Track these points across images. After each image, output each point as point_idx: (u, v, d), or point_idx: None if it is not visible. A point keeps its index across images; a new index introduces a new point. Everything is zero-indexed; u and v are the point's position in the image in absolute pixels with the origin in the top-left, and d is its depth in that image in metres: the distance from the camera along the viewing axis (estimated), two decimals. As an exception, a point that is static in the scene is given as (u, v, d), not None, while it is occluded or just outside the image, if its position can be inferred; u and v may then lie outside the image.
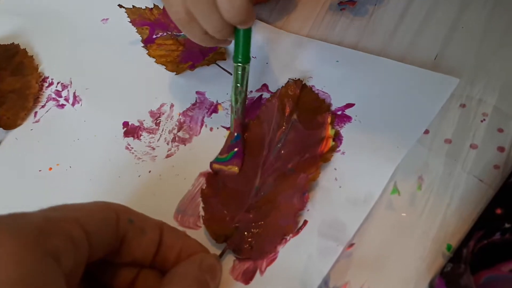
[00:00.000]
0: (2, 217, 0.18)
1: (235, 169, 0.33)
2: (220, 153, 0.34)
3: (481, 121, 0.33)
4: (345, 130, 0.34)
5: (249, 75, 0.36)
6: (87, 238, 0.20)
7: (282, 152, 0.33)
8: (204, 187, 0.32)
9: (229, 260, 0.29)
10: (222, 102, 0.38)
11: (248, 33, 0.31)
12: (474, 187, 0.30)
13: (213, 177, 0.33)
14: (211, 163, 0.34)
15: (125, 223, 0.23)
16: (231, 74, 0.39)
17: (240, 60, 0.32)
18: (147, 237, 0.24)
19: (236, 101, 0.33)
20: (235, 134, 0.34)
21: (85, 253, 0.20)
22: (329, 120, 0.34)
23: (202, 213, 0.31)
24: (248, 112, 0.36)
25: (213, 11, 0.27)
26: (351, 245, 0.29)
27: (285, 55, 0.40)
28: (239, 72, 0.32)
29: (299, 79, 0.37)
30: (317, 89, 0.37)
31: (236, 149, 0.34)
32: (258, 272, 0.28)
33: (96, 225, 0.21)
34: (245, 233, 0.29)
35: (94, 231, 0.21)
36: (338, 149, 0.33)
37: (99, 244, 0.21)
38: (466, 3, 0.41)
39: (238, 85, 0.33)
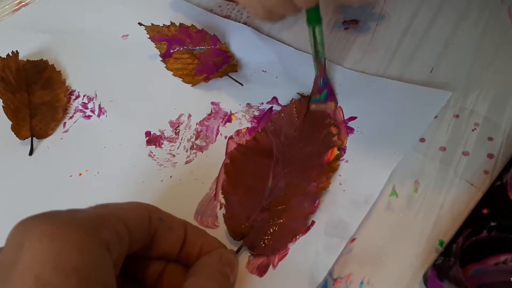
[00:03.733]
0: (62, 212, 0.21)
1: (332, 105, 0.39)
2: (313, 94, 0.39)
3: (473, 130, 0.35)
4: (349, 141, 0.36)
5: (260, 88, 0.40)
6: (128, 233, 0.23)
7: (291, 159, 0.35)
8: (224, 182, 0.35)
9: (245, 255, 0.31)
10: (235, 112, 0.40)
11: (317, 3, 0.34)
12: (465, 190, 0.32)
13: (231, 167, 0.36)
14: (310, 104, 0.39)
15: (156, 221, 0.26)
16: (242, 85, 0.42)
17: (314, 23, 0.35)
18: (174, 233, 0.27)
19: (317, 54, 0.37)
20: (322, 78, 0.38)
21: (126, 246, 0.23)
22: (334, 131, 0.37)
23: (219, 213, 0.34)
24: (259, 122, 0.39)
25: (289, 5, 0.31)
26: (353, 240, 0.31)
27: (293, 71, 0.43)
28: (317, 32, 0.35)
29: (306, 95, 0.40)
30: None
31: (326, 90, 0.39)
32: (271, 266, 0.30)
33: (134, 222, 0.23)
34: (260, 232, 0.32)
35: (133, 227, 0.23)
36: (342, 158, 0.35)
37: (136, 239, 0.24)
38: (460, 21, 0.43)
39: (317, 41, 0.36)
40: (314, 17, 0.34)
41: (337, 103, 0.39)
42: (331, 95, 0.39)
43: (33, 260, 0.18)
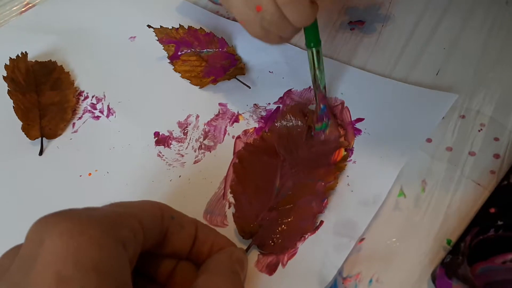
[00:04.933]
0: (80, 210, 0.21)
1: (334, 132, 0.37)
2: (314, 123, 0.38)
3: (479, 131, 0.36)
4: (356, 142, 0.37)
5: (267, 89, 0.40)
6: (142, 230, 0.23)
7: (298, 160, 0.36)
8: (233, 182, 0.35)
9: (254, 254, 0.31)
10: (243, 113, 0.41)
11: (315, 23, 0.34)
12: (472, 190, 0.33)
13: (239, 167, 0.36)
14: (311, 131, 0.38)
15: (168, 219, 0.26)
16: (250, 88, 0.42)
17: (312, 45, 0.34)
18: (185, 232, 0.27)
19: (315, 79, 0.36)
20: (321, 105, 0.37)
21: (141, 244, 0.23)
22: (342, 132, 0.37)
23: (228, 212, 0.34)
24: (267, 122, 0.40)
25: (286, 25, 0.31)
26: (362, 239, 0.31)
27: (300, 71, 0.43)
28: (314, 54, 0.35)
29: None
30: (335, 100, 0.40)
31: (325, 119, 0.37)
32: (280, 265, 0.31)
33: (148, 220, 0.24)
34: (269, 231, 0.32)
35: (147, 225, 0.23)
36: (350, 158, 0.36)
37: (150, 237, 0.24)
38: (465, 22, 0.44)
39: (315, 65, 0.35)
40: (312, 38, 0.34)
41: (339, 130, 0.38)
42: (333, 123, 0.38)
43: (54, 256, 0.19)
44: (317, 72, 0.36)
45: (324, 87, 0.37)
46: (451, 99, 0.38)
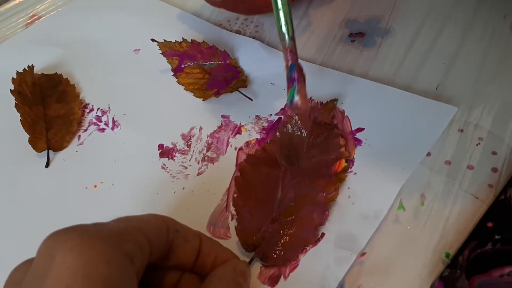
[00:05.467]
0: (88, 225, 0.22)
1: (300, 101, 0.33)
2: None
3: (477, 145, 0.36)
4: (357, 153, 0.37)
5: (269, 100, 0.40)
6: (148, 244, 0.24)
7: (299, 170, 0.36)
8: (235, 195, 0.36)
9: (257, 266, 0.32)
10: (245, 124, 0.42)
11: None
12: (470, 204, 0.33)
13: (241, 180, 0.37)
14: (287, 108, 0.33)
15: (173, 232, 0.26)
16: (252, 100, 0.43)
17: None
18: (189, 244, 0.27)
19: (280, 25, 0.30)
20: (290, 63, 0.32)
21: (147, 257, 0.24)
22: (342, 142, 0.38)
23: (231, 224, 0.35)
24: (268, 133, 0.40)
25: None
26: (363, 254, 0.32)
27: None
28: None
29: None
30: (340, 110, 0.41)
31: (293, 84, 0.32)
32: (282, 277, 0.31)
33: (154, 234, 0.24)
34: (271, 243, 0.32)
35: (153, 238, 0.24)
36: (350, 170, 0.36)
37: (155, 250, 0.25)
38: (464, 36, 0.45)
39: (278, 4, 0.30)
40: None
41: (306, 98, 0.33)
42: (301, 91, 0.32)
43: (64, 271, 0.19)
44: (281, 15, 0.30)
45: (293, 38, 0.31)
46: (451, 112, 0.38)
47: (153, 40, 0.47)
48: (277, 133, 0.39)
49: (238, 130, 0.41)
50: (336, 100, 0.41)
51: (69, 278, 0.19)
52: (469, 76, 0.41)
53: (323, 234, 0.33)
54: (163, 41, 0.48)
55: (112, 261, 0.20)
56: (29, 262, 0.22)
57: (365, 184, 0.35)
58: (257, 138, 0.40)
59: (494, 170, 0.35)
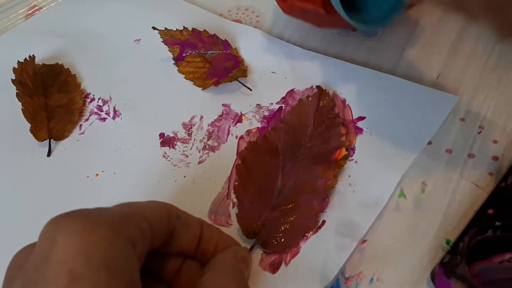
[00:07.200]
0: (90, 210, 0.22)
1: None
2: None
3: (478, 133, 0.36)
4: (358, 141, 0.37)
5: (269, 89, 0.40)
6: (150, 230, 0.24)
7: (300, 159, 0.36)
8: (236, 183, 0.36)
9: (258, 253, 0.32)
10: (246, 113, 0.42)
11: None
12: (470, 192, 0.33)
13: (242, 168, 0.37)
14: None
15: (174, 219, 0.27)
16: (251, 90, 0.43)
17: None
18: (191, 231, 0.28)
19: None
20: None
21: (149, 243, 0.24)
22: (343, 131, 0.38)
23: (232, 212, 0.35)
24: (269, 122, 0.40)
25: None
26: (364, 241, 0.32)
27: (302, 71, 0.44)
28: None
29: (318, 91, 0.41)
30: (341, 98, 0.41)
31: None
32: (283, 263, 0.31)
33: (156, 220, 0.24)
34: (272, 230, 0.33)
35: (154, 224, 0.24)
36: (351, 158, 0.36)
37: (157, 236, 0.25)
38: (466, 27, 0.45)
39: None
40: None
41: None
42: None
43: (66, 255, 0.19)
44: None
45: None
46: (452, 101, 0.38)
47: (154, 28, 0.47)
48: (280, 121, 0.39)
49: (239, 119, 0.41)
50: (318, 86, 0.41)
51: (71, 261, 0.19)
52: (471, 65, 0.41)
53: (324, 222, 0.33)
54: (164, 29, 0.47)
55: (114, 245, 0.20)
56: (31, 246, 0.22)
57: (366, 172, 0.35)
58: (257, 127, 0.40)
59: (495, 158, 0.35)
